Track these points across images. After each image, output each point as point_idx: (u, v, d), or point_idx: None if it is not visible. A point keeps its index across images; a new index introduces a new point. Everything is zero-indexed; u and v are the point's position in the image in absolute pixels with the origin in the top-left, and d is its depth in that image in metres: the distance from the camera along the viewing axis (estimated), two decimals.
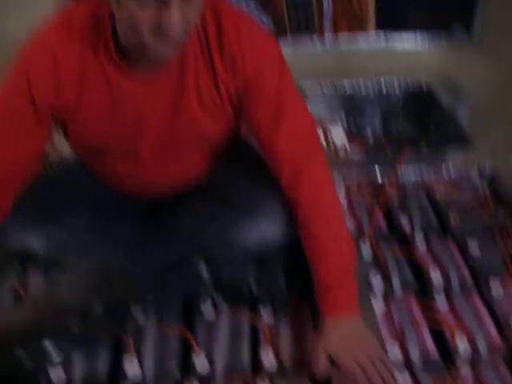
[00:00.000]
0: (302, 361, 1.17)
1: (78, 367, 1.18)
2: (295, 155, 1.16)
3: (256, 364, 1.18)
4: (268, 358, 1.17)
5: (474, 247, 1.43)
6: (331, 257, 1.14)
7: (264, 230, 1.22)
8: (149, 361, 1.19)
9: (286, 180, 1.17)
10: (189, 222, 1.27)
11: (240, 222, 1.23)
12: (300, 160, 1.16)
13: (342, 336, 1.09)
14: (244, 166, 1.34)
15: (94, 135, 1.18)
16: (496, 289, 1.32)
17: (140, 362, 1.19)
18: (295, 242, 1.20)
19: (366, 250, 1.42)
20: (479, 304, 1.30)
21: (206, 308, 1.28)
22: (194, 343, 1.21)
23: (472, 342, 1.20)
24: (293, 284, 1.28)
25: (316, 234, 1.15)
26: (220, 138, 1.24)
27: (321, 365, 1.09)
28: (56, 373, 1.16)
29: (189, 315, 1.29)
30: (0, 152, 1.15)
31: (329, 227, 1.16)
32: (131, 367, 1.17)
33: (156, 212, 1.35)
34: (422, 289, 1.34)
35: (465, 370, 1.15)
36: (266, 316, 1.27)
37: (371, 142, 2.11)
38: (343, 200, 1.60)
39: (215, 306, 1.29)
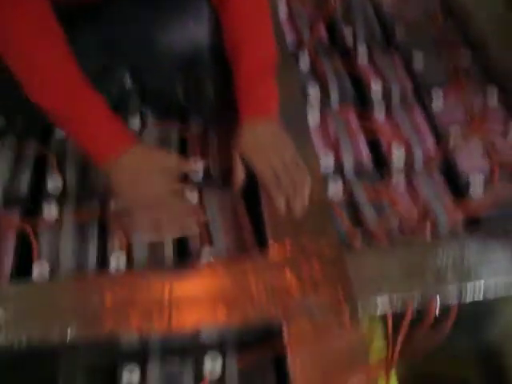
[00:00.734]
0: (231, 171, 1.12)
1: None
2: None
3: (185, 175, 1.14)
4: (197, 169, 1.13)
5: (418, 59, 1.36)
6: (251, 55, 1.06)
7: (192, 31, 1.12)
8: (72, 175, 1.13)
9: None
10: (114, 25, 1.16)
11: (170, 23, 1.12)
12: None
13: (257, 139, 1.04)
14: None
15: None
16: (437, 100, 1.27)
17: (63, 179, 1.13)
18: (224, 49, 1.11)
19: (305, 61, 1.34)
20: (419, 116, 1.25)
21: (134, 121, 1.21)
22: None
23: (408, 151, 1.16)
24: (222, 93, 1.20)
25: (238, 28, 1.07)
26: None
27: (238, 171, 1.05)
28: None
29: None
30: None
31: (252, 23, 1.08)
32: (53, 183, 1.12)
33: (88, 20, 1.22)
34: (362, 101, 1.28)
35: (398, 179, 1.12)
36: (194, 127, 1.21)
37: None
38: (283, 9, 1.49)
39: (143, 119, 1.22)
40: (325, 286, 0.92)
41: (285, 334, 0.87)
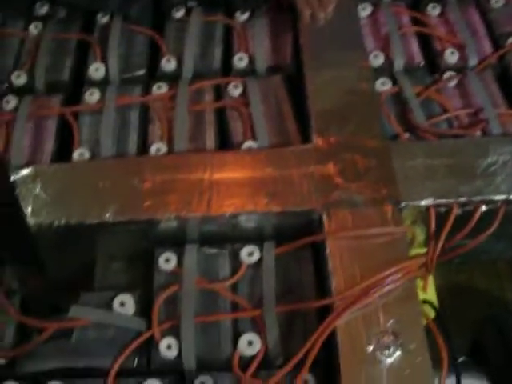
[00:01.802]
0: (276, 66, 1.10)
1: (40, 74, 1.11)
2: None
3: (229, 67, 1.11)
4: (242, 62, 1.10)
5: None
6: None
7: None
8: (114, 61, 1.11)
9: None
10: None
11: None
12: None
13: None
14: None
15: None
16: (497, 5, 1.20)
17: (106, 65, 1.11)
18: None
19: None
20: (477, 19, 1.18)
21: (179, 13, 1.18)
22: (163, 45, 1.12)
23: (462, 53, 1.11)
24: None
25: None
26: None
27: None
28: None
29: (160, 19, 1.19)
30: None
31: None
32: (95, 69, 1.10)
33: None
34: (415, 1, 1.22)
35: (450, 80, 1.07)
36: (241, 19, 1.17)
37: None
38: None
39: (187, 9, 1.18)
40: (368, 179, 0.89)
41: (325, 226, 0.86)
